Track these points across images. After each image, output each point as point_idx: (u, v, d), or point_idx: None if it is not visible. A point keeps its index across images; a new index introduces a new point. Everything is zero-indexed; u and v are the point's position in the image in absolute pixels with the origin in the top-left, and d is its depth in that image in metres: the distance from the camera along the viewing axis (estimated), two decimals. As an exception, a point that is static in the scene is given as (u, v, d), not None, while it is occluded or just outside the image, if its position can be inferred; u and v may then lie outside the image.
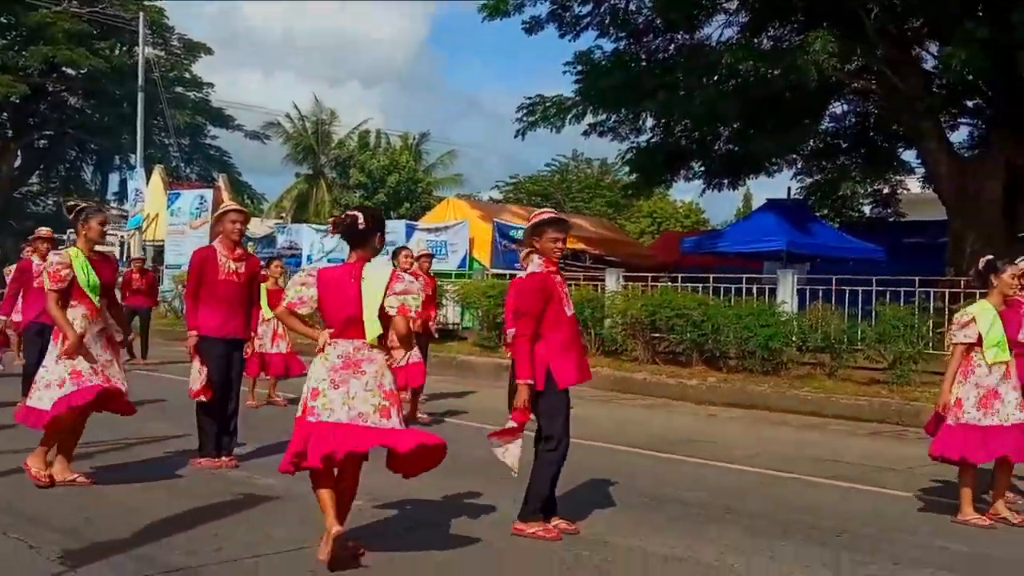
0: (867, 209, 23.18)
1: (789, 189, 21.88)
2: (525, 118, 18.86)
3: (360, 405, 4.79)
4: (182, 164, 35.12)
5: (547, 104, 18.65)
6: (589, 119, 19.04)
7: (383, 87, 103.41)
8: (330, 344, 4.88)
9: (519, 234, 19.73)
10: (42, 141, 37.87)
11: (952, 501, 6.68)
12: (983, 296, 6.50)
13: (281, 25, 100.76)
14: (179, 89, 35.80)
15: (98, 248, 6.70)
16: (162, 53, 35.62)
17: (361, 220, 4.97)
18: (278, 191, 47.65)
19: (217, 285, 7.05)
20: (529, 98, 18.87)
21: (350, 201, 45.72)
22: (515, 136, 19.31)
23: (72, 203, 6.77)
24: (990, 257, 6.49)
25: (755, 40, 17.81)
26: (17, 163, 36.50)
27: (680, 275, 15.80)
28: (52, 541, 5.04)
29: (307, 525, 5.32)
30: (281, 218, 40.25)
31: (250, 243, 24.39)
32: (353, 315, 4.84)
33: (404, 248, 10.18)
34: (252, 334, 7.50)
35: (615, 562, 5.00)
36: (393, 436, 4.79)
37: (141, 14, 30.58)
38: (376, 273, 4.94)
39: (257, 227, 29.45)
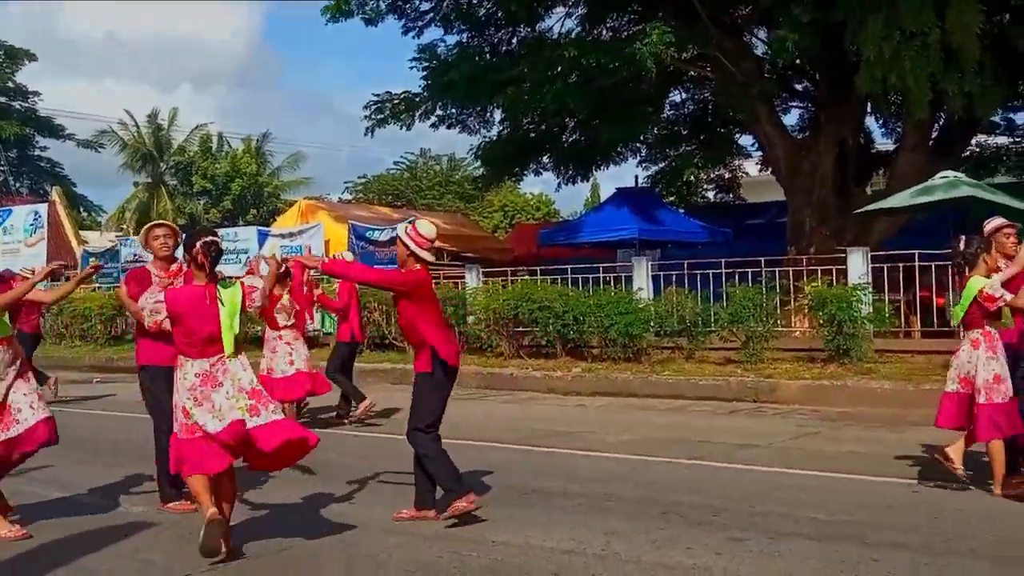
0: (711, 194, 24.05)
1: (636, 178, 22.52)
2: (374, 116, 18.71)
3: (229, 414, 5.05)
4: (11, 178, 33.21)
5: (395, 101, 18.57)
6: (439, 114, 19.05)
7: (218, 89, 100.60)
8: (188, 363, 5.14)
9: (376, 235, 19.60)
10: None
11: (822, 473, 7.05)
12: (970, 275, 6.41)
13: (103, 28, 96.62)
14: (2, 99, 33.84)
15: None
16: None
17: (223, 245, 5.43)
18: (117, 202, 45.74)
19: None
20: (377, 95, 18.77)
21: (194, 209, 44.34)
22: (364, 134, 19.12)
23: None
24: (965, 236, 6.59)
25: (594, 31, 18.23)
26: None
27: (539, 268, 16.03)
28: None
29: (187, 546, 5.18)
30: (122, 230, 38.65)
31: (92, 258, 23.37)
32: (213, 334, 5.13)
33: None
34: None
35: (503, 560, 5.04)
36: (263, 434, 5.10)
37: (-46, 21, 28.74)
38: (231, 294, 5.25)
39: (97, 240, 28.20)
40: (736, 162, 22.54)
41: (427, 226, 6.08)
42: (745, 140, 21.41)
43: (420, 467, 5.90)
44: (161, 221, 6.98)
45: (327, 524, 5.85)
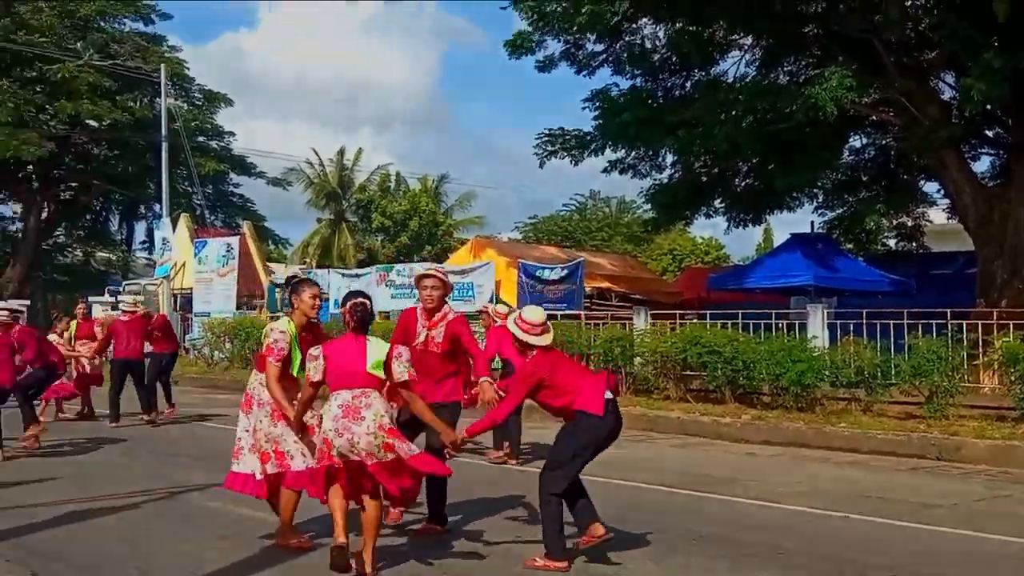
0: (892, 242, 23.13)
1: (812, 223, 21.92)
2: (545, 147, 19.04)
3: (364, 447, 5.28)
4: (207, 212, 35.49)
5: (567, 136, 18.86)
6: (609, 155, 19.24)
7: (395, 131, 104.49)
8: (333, 396, 5.45)
9: (546, 274, 19.84)
10: (68, 193, 38.38)
11: (1016, 539, 6.63)
12: None
13: (292, 72, 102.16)
14: (201, 138, 36.28)
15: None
16: (183, 104, 36.14)
17: (371, 307, 5.71)
18: (301, 236, 48.19)
19: (412, 352, 6.00)
20: (550, 130, 19.09)
21: (372, 245, 46.16)
22: (535, 154, 19.32)
23: (291, 275, 6.83)
24: None
25: (771, 75, 17.98)
26: (44, 215, 36.97)
27: (708, 311, 15.80)
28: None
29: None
30: (305, 263, 40.58)
31: (277, 289, 24.64)
32: (357, 370, 5.44)
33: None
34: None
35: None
36: (392, 471, 5.36)
37: (162, 66, 31.12)
38: (379, 350, 5.56)
39: (282, 272, 29.70)
40: (920, 209, 21.58)
41: (533, 312, 5.98)
42: (930, 187, 20.57)
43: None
44: (429, 272, 6.86)
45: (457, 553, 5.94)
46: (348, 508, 5.43)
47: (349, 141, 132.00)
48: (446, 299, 6.75)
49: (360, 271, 24.34)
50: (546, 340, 5.85)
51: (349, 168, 48.31)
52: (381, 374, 5.46)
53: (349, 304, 5.64)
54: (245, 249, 27.09)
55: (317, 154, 48.07)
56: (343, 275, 23.76)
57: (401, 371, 5.51)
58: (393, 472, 5.35)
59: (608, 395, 5.78)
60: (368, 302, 5.71)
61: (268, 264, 31.73)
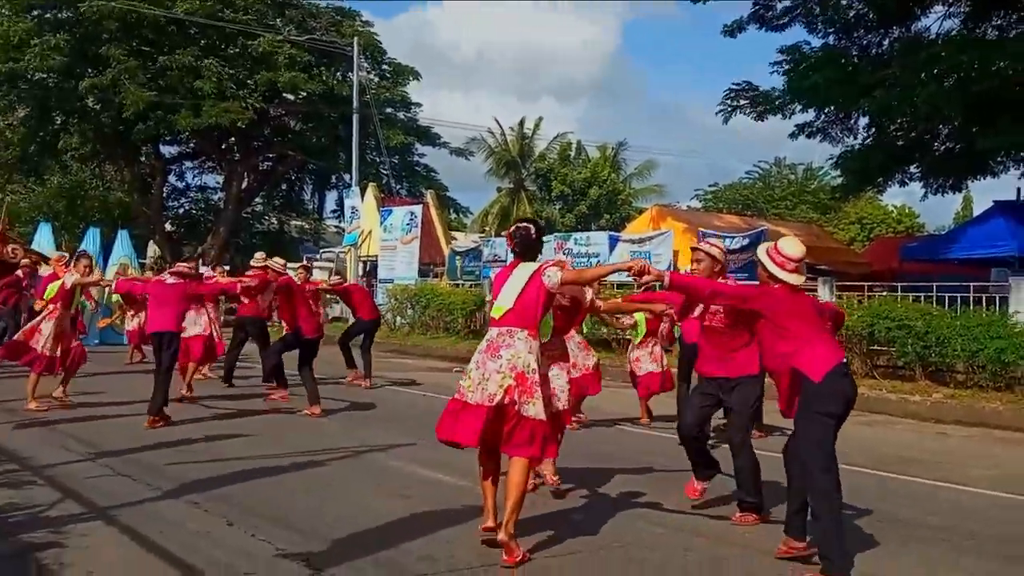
0: (1109, 211, 21.26)
1: (1019, 191, 20.40)
2: (730, 102, 18.55)
3: (490, 386, 5.16)
4: (392, 181, 36.59)
5: (754, 92, 18.29)
6: (797, 118, 18.53)
7: (577, 99, 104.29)
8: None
9: (727, 243, 19.39)
10: (266, 163, 40.43)
11: None
12: None
13: (475, 42, 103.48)
14: (389, 110, 37.35)
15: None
16: (374, 76, 37.27)
17: (534, 231, 5.49)
18: (481, 205, 49.05)
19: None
20: (736, 83, 18.59)
21: (550, 214, 46.42)
22: (717, 114, 18.89)
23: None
24: None
25: (977, 30, 16.79)
26: (244, 184, 39.10)
27: (899, 284, 15.06)
28: (294, 542, 5.37)
29: (535, 531, 5.47)
30: (484, 231, 41.32)
31: (458, 256, 25.20)
32: (504, 305, 5.34)
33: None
34: None
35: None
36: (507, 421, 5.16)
37: (355, 39, 32.15)
38: (524, 269, 5.43)
39: (462, 240, 30.35)
40: None
41: (792, 245, 5.35)
42: None
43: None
44: (697, 245, 6.83)
45: (617, 524, 5.90)
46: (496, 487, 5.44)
47: (530, 111, 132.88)
48: (722, 275, 6.26)
49: (539, 239, 24.54)
50: (798, 280, 5.24)
51: (529, 137, 48.68)
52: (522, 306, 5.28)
53: (512, 228, 5.53)
54: (428, 217, 27.81)
55: (499, 123, 48.69)
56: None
57: (552, 278, 5.31)
58: (511, 422, 5.15)
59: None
60: (532, 226, 5.51)
61: (450, 232, 32.49)
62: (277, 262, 11.40)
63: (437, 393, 13.36)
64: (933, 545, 5.68)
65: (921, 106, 14.96)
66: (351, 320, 15.41)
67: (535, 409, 5.19)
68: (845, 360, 5.17)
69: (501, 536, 5.04)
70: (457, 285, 23.38)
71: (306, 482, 7.09)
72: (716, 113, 18.96)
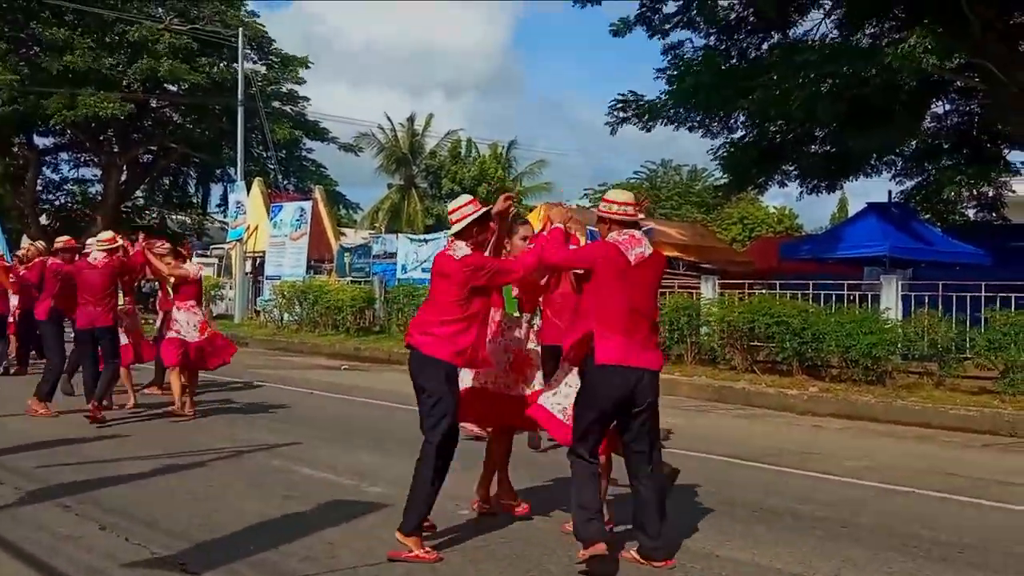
0: (971, 213, 22.40)
1: (890, 193, 21.30)
2: (617, 114, 18.82)
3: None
4: (280, 177, 35.94)
5: (639, 102, 18.59)
6: (680, 120, 18.86)
7: (467, 96, 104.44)
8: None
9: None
10: (146, 156, 39.21)
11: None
12: None
13: (362, 37, 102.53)
14: (276, 103, 36.66)
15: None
16: (261, 67, 36.53)
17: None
18: (371, 201, 48.59)
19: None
20: (622, 95, 18.86)
21: (441, 211, 46.29)
22: (606, 124, 19.15)
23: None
24: None
25: (852, 37, 17.43)
26: (123, 177, 37.83)
27: (779, 282, 15.54)
28: (170, 546, 5.20)
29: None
30: (374, 228, 41.00)
31: (347, 253, 24.89)
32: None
33: None
34: None
35: (728, 576, 4.94)
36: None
37: (240, 30, 31.43)
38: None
39: (352, 237, 30.01)
40: (1002, 179, 20.83)
41: (618, 192, 5.36)
42: (1015, 156, 19.83)
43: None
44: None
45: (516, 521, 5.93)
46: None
47: (420, 106, 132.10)
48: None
49: (429, 236, 24.46)
50: (623, 219, 5.14)
51: (420, 133, 48.48)
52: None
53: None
54: (317, 213, 27.39)
55: (389, 119, 48.36)
56: (411, 239, 23.90)
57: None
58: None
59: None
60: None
61: (339, 228, 32.08)
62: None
63: (325, 391, 13.19)
64: (807, 534, 5.85)
65: (796, 111, 15.42)
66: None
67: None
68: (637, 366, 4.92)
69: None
70: (350, 282, 23.14)
71: (184, 484, 6.87)
72: (605, 124, 19.23)
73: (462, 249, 5.25)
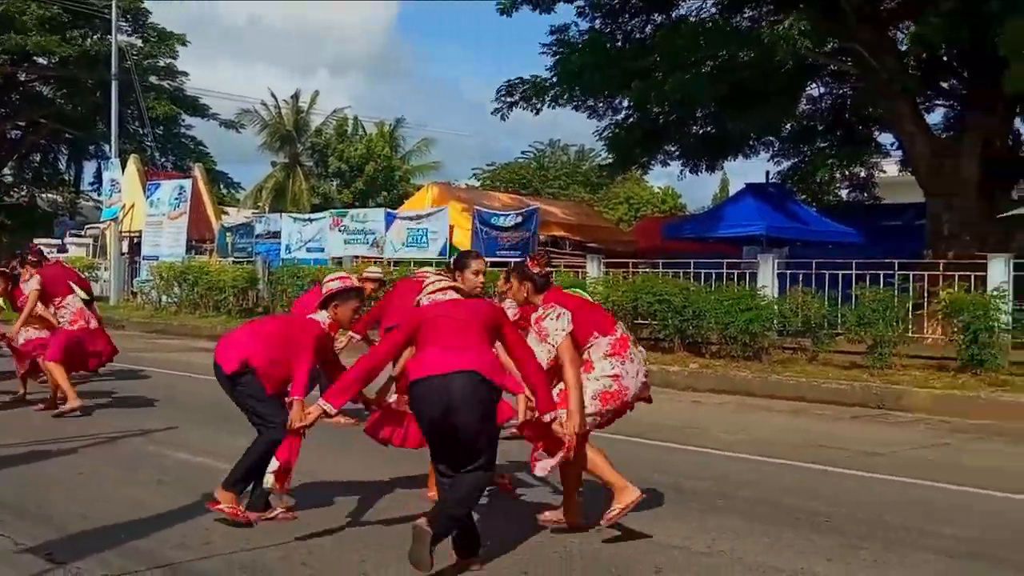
0: (844, 193, 23.27)
1: (768, 173, 21.98)
2: (504, 99, 18.83)
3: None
4: (157, 154, 34.77)
5: (525, 86, 18.64)
6: (566, 98, 18.96)
7: (353, 75, 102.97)
8: None
9: (501, 221, 19.72)
10: (15, 131, 37.40)
11: (949, 486, 6.73)
12: None
13: (247, 12, 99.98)
14: (153, 78, 35.42)
15: None
16: (137, 41, 35.21)
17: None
18: (254, 180, 47.54)
19: None
20: (509, 80, 18.89)
21: (327, 190, 45.64)
22: (492, 114, 19.24)
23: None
24: None
25: (732, 20, 17.82)
26: (-11, 154, 36.08)
27: (661, 261, 15.83)
28: (37, 536, 4.99)
29: (299, 517, 5.36)
30: (258, 207, 40.13)
31: (228, 233, 24.28)
32: None
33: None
34: None
35: (607, 551, 4.99)
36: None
37: (113, 1, 30.21)
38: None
39: (234, 216, 29.28)
40: (873, 160, 21.71)
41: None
42: (885, 138, 20.66)
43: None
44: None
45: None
46: None
47: (305, 84, 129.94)
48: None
49: (314, 216, 24.04)
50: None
51: (305, 111, 47.57)
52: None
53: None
54: (196, 192, 26.63)
55: (273, 96, 47.27)
56: (295, 219, 23.46)
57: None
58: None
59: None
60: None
61: (221, 207, 31.26)
62: None
63: (205, 375, 12.83)
64: (688, 507, 5.98)
65: (675, 95, 15.66)
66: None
67: None
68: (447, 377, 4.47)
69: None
70: (233, 261, 22.57)
71: (53, 472, 6.61)
72: (492, 112, 19.20)
73: (322, 317, 5.56)
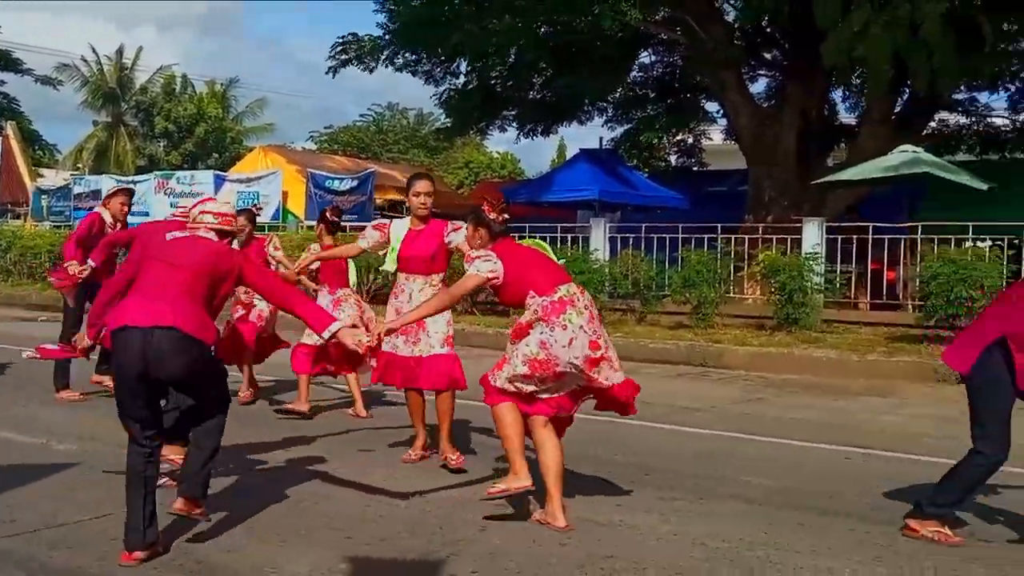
0: (673, 159, 24.00)
1: (601, 139, 22.40)
2: (338, 55, 18.43)
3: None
4: (-37, 111, 32.41)
5: (361, 43, 18.29)
6: (402, 59, 18.74)
7: (182, 32, 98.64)
8: None
9: (335, 184, 19.36)
10: None
11: (762, 438, 7.08)
12: None
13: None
14: (-43, 29, 32.94)
15: None
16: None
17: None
18: (75, 140, 44.98)
19: None
20: (342, 37, 18.47)
21: (154, 152, 43.64)
22: (327, 72, 18.81)
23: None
24: None
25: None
26: None
27: (499, 225, 15.90)
28: None
29: (112, 488, 5.11)
30: (78, 168, 38.03)
31: (43, 195, 22.94)
32: None
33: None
34: None
35: (446, 525, 5.03)
36: None
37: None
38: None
39: (52, 178, 27.67)
40: (700, 128, 22.46)
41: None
42: (711, 106, 21.39)
43: None
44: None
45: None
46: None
47: (129, 40, 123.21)
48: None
49: (138, 177, 22.98)
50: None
51: (129, 68, 45.24)
52: None
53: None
54: (8, 151, 24.99)
55: (94, 51, 44.71)
56: (117, 181, 22.33)
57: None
58: None
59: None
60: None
61: (36, 170, 29.44)
62: None
63: (16, 345, 12.11)
64: (498, 465, 6.06)
65: (503, 40, 15.48)
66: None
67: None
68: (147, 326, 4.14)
69: None
70: (54, 227, 21.33)
71: None
72: (326, 72, 18.75)
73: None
